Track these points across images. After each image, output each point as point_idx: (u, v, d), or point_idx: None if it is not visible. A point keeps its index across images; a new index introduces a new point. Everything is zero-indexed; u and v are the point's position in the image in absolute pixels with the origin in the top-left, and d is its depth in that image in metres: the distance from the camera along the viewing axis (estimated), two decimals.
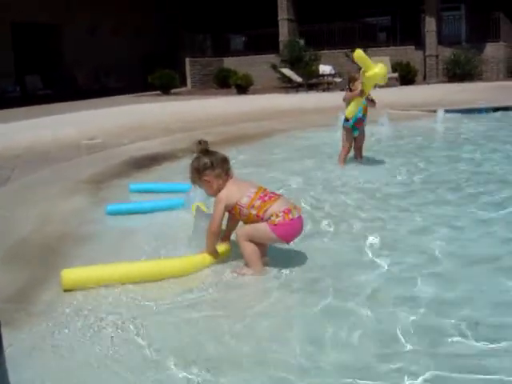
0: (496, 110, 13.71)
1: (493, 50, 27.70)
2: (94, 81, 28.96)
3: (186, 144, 9.60)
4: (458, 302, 3.44)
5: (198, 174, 4.11)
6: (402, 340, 2.99)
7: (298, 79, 25.18)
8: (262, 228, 3.93)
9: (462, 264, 4.06)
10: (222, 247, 4.22)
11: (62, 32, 28.09)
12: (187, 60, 29.85)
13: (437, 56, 27.87)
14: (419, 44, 28.66)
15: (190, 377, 2.74)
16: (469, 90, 20.32)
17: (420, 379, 2.64)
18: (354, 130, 7.60)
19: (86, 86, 27.93)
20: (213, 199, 4.24)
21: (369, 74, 6.71)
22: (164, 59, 29.26)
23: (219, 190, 4.07)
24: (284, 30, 29.99)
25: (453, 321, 3.16)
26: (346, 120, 7.56)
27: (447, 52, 26.91)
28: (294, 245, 4.29)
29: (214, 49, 32.38)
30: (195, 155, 4.17)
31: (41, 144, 10.95)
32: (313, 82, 25.52)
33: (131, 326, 3.27)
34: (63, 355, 2.98)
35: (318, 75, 26.19)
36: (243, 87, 25.69)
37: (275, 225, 3.89)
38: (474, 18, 28.72)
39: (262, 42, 30.54)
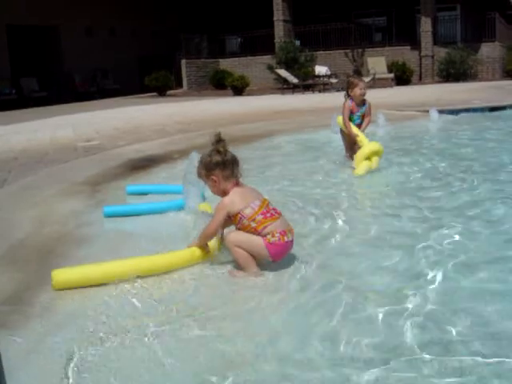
0: (492, 109, 13.76)
1: (488, 50, 27.78)
2: (91, 83, 28.95)
3: (182, 146, 9.67)
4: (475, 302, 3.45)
5: (206, 170, 4.03)
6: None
7: (294, 80, 25.21)
8: (257, 242, 3.89)
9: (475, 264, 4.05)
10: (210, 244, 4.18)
11: (59, 34, 28.09)
12: (183, 61, 29.86)
13: (432, 56, 27.93)
14: (415, 44, 28.73)
15: (190, 378, 2.75)
16: (464, 89, 20.37)
17: None
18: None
19: (82, 88, 27.95)
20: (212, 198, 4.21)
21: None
22: (160, 61, 29.30)
23: (224, 192, 4.01)
24: (279, 31, 30.01)
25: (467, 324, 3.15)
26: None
27: (443, 52, 26.98)
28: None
29: (210, 50, 32.38)
30: (210, 150, 4.08)
31: (37, 146, 10.95)
32: (309, 83, 25.55)
33: (129, 328, 3.27)
34: (60, 358, 2.98)
35: (314, 76, 26.24)
36: (239, 88, 25.72)
37: (270, 243, 3.87)
38: (469, 19, 28.81)
39: (258, 43, 30.58)
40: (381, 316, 3.26)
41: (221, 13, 33.45)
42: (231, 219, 4.05)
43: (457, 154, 8.49)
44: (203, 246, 4.08)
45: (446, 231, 4.73)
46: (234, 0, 32.69)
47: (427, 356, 2.80)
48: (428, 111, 12.26)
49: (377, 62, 26.56)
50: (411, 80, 26.68)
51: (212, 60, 31.79)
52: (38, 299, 3.72)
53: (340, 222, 5.17)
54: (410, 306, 3.36)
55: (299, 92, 24.46)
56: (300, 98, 21.61)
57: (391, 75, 25.60)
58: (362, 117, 7.63)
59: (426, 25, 27.91)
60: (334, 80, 25.74)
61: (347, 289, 3.66)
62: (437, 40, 28.34)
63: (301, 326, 3.23)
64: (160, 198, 6.17)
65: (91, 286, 3.84)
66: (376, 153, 7.06)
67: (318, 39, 30.07)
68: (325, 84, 25.39)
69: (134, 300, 3.62)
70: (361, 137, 7.39)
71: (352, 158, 7.54)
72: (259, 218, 3.90)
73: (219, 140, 4.07)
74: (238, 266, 4.01)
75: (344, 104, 7.60)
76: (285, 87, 25.19)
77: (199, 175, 4.14)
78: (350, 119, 7.57)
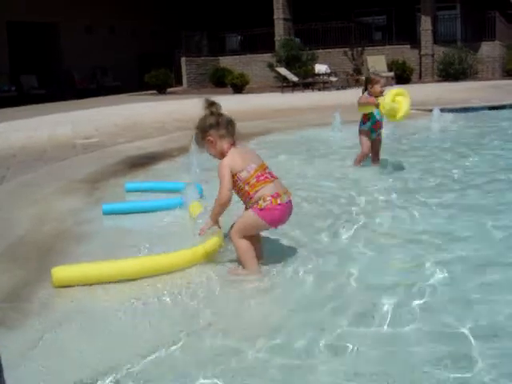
0: (491, 108, 13.77)
1: (488, 49, 27.77)
2: (91, 80, 28.92)
3: (181, 143, 9.66)
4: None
5: (202, 132, 4.09)
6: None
7: (294, 78, 25.19)
8: (249, 215, 3.93)
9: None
10: (213, 241, 4.17)
11: (58, 31, 28.04)
12: (183, 59, 29.82)
13: (432, 55, 27.92)
14: (415, 43, 28.70)
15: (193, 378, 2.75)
16: (464, 88, 20.37)
17: None
18: (372, 132, 7.29)
19: (82, 86, 27.91)
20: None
21: (399, 116, 6.71)
22: (160, 58, 29.28)
23: (222, 153, 4.03)
24: (279, 30, 29.97)
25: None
26: (363, 123, 7.32)
27: (443, 51, 26.94)
28: (292, 243, 4.30)
29: (210, 48, 32.34)
30: (203, 114, 4.14)
31: (36, 143, 10.95)
32: (308, 81, 25.54)
33: (128, 326, 3.27)
34: (59, 355, 2.98)
35: (314, 74, 26.22)
36: (239, 86, 25.70)
37: (261, 209, 3.87)
38: (469, 18, 28.78)
39: (258, 41, 30.55)
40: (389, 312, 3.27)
41: (221, 11, 33.42)
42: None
43: (461, 152, 8.47)
44: (216, 222, 4.06)
45: (454, 228, 4.76)
46: None
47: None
48: (431, 110, 12.14)
49: (377, 61, 26.54)
50: (411, 79, 26.65)
51: (212, 58, 31.75)
52: (36, 296, 3.72)
53: (346, 218, 5.18)
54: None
55: (299, 90, 24.45)
56: (300, 97, 21.61)
57: (391, 74, 25.56)
58: (380, 114, 7.31)
59: (425, 23, 27.89)
60: (333, 78, 25.72)
61: (356, 286, 3.67)
62: (437, 39, 28.32)
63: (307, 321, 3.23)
64: (159, 196, 6.17)
65: (90, 284, 3.84)
66: (398, 93, 6.74)
67: (318, 37, 30.04)
68: (325, 82, 25.38)
69: (132, 299, 3.62)
70: (381, 98, 6.97)
71: (376, 159, 7.43)
72: (253, 181, 3.92)
73: (212, 103, 4.15)
74: (240, 264, 4.01)
75: (361, 96, 7.28)
76: (285, 85, 25.17)
77: (197, 141, 4.21)
78: (370, 115, 7.25)
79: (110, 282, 3.83)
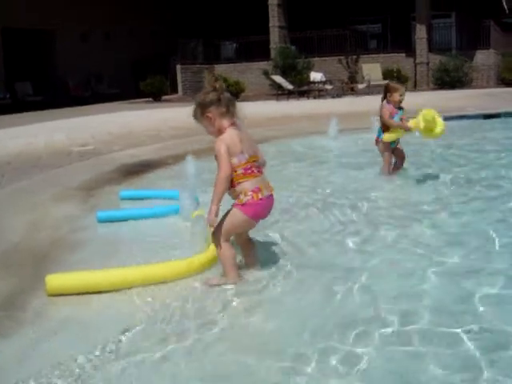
0: (486, 116, 13.80)
1: (483, 58, 27.86)
2: (86, 87, 28.90)
3: (176, 151, 9.66)
4: None
5: (201, 108, 3.95)
6: None
7: (289, 86, 25.22)
8: (235, 214, 3.85)
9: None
10: (209, 253, 4.17)
11: (53, 38, 28.04)
12: (178, 67, 29.86)
13: (427, 63, 27.99)
14: (410, 51, 28.77)
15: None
16: (459, 97, 20.42)
17: None
18: (391, 142, 7.19)
19: (77, 93, 27.89)
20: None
21: (436, 132, 6.51)
22: (155, 66, 29.29)
23: (220, 131, 3.92)
24: (275, 37, 30.03)
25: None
26: (382, 132, 7.17)
27: (438, 59, 27.03)
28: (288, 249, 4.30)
29: (206, 56, 32.38)
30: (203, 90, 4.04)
31: (32, 150, 10.93)
32: (304, 89, 25.58)
33: (120, 334, 3.25)
34: (52, 365, 2.95)
35: (309, 82, 26.26)
36: (234, 94, 25.71)
37: (243, 204, 3.83)
38: (464, 26, 28.87)
39: (253, 48, 30.58)
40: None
41: (216, 18, 33.46)
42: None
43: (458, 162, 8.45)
44: (219, 200, 3.78)
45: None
46: (230, 6, 32.76)
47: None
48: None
49: (372, 69, 26.60)
50: (406, 87, 26.69)
51: (207, 65, 31.78)
52: (30, 305, 3.70)
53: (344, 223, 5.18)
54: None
55: (294, 98, 24.47)
56: (295, 105, 21.63)
57: (386, 82, 25.63)
58: (401, 120, 7.06)
59: (420, 32, 27.97)
60: (328, 86, 25.76)
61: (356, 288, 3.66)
62: (432, 47, 28.40)
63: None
64: (154, 203, 6.16)
65: (85, 293, 3.82)
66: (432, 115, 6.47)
67: (313, 45, 30.10)
68: (320, 90, 25.41)
69: (126, 310, 3.60)
70: (410, 121, 6.79)
71: (389, 171, 7.23)
72: (240, 171, 3.84)
73: (216, 79, 4.07)
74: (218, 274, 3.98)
75: (383, 106, 7.12)
76: (280, 93, 25.20)
77: (194, 116, 4.03)
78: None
79: (104, 291, 3.81)
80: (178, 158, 8.37)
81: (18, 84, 25.79)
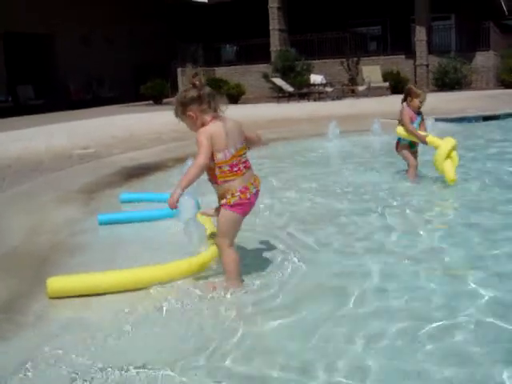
0: (486, 118, 13.79)
1: (483, 59, 27.87)
2: (87, 91, 28.93)
3: (177, 154, 9.66)
4: None
5: (182, 107, 3.83)
6: None
7: (289, 89, 25.23)
8: (227, 215, 3.80)
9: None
10: (208, 253, 4.17)
11: (54, 42, 28.05)
12: (179, 70, 29.88)
13: (427, 65, 28.00)
14: (410, 53, 28.78)
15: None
16: (459, 98, 20.42)
17: None
18: (412, 146, 7.18)
19: (78, 96, 27.90)
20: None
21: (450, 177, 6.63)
22: (156, 69, 29.30)
23: (203, 125, 3.80)
24: (275, 40, 30.06)
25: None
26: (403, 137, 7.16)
27: (437, 61, 27.04)
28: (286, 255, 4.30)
29: (206, 59, 32.40)
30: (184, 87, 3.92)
31: (33, 154, 10.92)
32: (304, 92, 25.58)
33: (120, 337, 3.26)
34: (53, 368, 2.96)
35: (309, 85, 26.26)
36: (235, 97, 25.70)
37: (232, 206, 3.77)
38: (464, 28, 28.89)
39: (253, 51, 30.61)
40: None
41: (216, 22, 33.52)
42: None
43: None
44: (190, 182, 3.68)
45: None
46: (230, 9, 32.78)
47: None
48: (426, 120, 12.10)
49: (372, 71, 26.61)
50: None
51: (208, 68, 31.78)
52: (31, 308, 3.71)
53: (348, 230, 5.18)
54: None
55: (294, 100, 24.46)
56: (295, 107, 21.62)
57: (386, 84, 25.64)
58: (419, 125, 7.11)
59: (420, 34, 27.98)
60: (329, 89, 25.74)
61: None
62: (431, 49, 28.41)
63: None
64: (154, 206, 6.16)
65: (86, 295, 3.82)
66: (454, 148, 6.67)
67: (314, 48, 30.11)
68: (320, 93, 25.40)
69: (127, 311, 3.60)
70: (430, 137, 6.89)
71: (416, 174, 7.17)
72: (226, 168, 3.76)
73: (195, 74, 4.03)
74: (222, 279, 3.95)
75: (403, 110, 7.07)
76: (280, 96, 25.20)
77: (176, 114, 3.91)
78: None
79: (105, 293, 3.82)
80: (179, 161, 8.37)
81: (19, 87, 25.82)
